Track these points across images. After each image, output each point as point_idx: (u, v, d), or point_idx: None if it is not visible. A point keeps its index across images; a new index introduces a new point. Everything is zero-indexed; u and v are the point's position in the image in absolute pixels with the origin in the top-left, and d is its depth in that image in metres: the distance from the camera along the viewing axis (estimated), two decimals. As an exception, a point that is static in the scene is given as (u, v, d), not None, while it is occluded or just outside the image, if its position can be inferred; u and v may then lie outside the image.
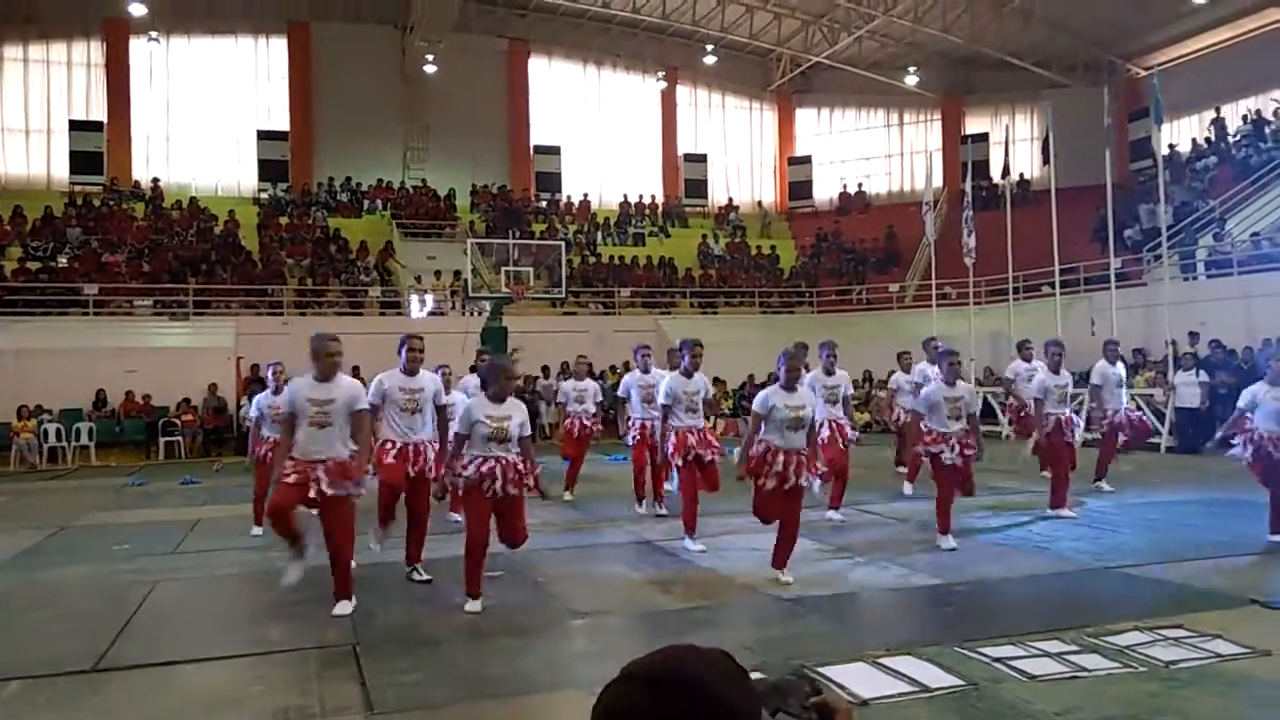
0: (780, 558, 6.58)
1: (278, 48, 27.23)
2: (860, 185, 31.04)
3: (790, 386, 6.50)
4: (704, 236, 28.41)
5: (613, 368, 19.89)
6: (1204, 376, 14.40)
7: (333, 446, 5.77)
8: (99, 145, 25.17)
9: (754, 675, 1.25)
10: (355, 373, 10.44)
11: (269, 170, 26.48)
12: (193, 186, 25.88)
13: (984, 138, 28.57)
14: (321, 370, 5.87)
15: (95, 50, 25.86)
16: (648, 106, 30.61)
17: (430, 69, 26.75)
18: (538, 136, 29.17)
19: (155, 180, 25.40)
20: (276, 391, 8.02)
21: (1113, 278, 17.12)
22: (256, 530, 8.60)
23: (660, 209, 29.79)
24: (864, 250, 27.96)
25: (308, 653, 5.16)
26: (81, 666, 4.95)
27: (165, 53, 26.23)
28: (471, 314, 20.98)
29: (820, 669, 4.53)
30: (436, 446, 6.82)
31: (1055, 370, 9.35)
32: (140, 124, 26.00)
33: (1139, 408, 12.56)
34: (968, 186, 21.40)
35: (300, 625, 5.68)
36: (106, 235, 22.69)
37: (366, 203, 26.73)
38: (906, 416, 10.93)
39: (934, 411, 7.65)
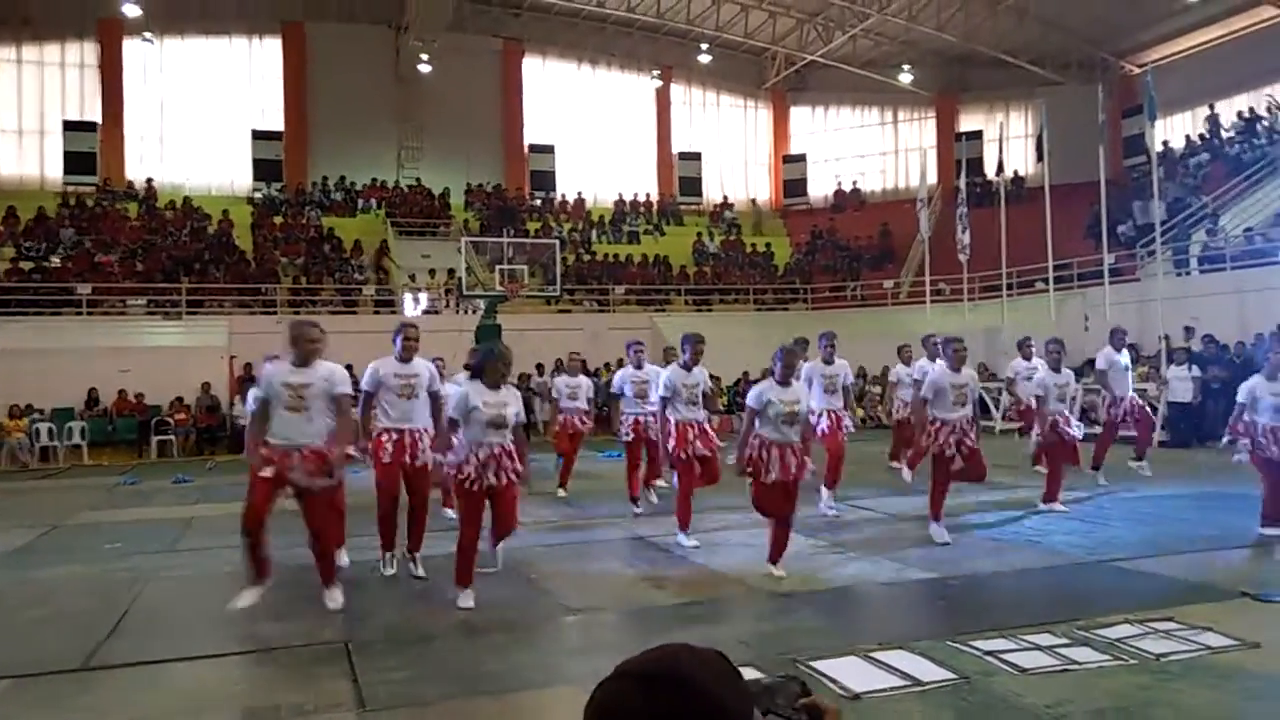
0: (775, 552, 6.58)
1: (272, 48, 27.16)
2: (855, 183, 31.05)
3: (785, 381, 6.51)
4: (699, 234, 28.41)
5: (607, 365, 19.86)
6: (1196, 371, 14.44)
7: (308, 433, 5.71)
8: (93, 146, 25.07)
9: (746, 674, 1.25)
10: (349, 371, 10.40)
11: (263, 170, 26.40)
12: (186, 186, 25.81)
13: (978, 135, 28.65)
14: (299, 356, 5.82)
15: (89, 51, 25.78)
16: (642, 105, 30.60)
17: (425, 68, 26.70)
18: (532, 135, 29.14)
19: (149, 180, 25.32)
20: None
21: (1106, 273, 17.18)
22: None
23: (655, 207, 29.78)
24: (859, 247, 27.97)
25: (299, 650, 5.15)
26: (72, 665, 4.94)
27: (159, 53, 26.14)
28: (466, 312, 20.97)
29: (813, 663, 4.54)
30: (431, 434, 6.80)
31: (1056, 368, 9.38)
32: (134, 124, 25.93)
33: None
34: (962, 184, 21.46)
35: (292, 623, 5.66)
36: (100, 235, 22.64)
37: (361, 202, 26.70)
38: (905, 410, 11.00)
39: (939, 397, 7.68)
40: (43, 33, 25.35)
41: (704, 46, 29.24)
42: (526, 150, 29.05)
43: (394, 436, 6.69)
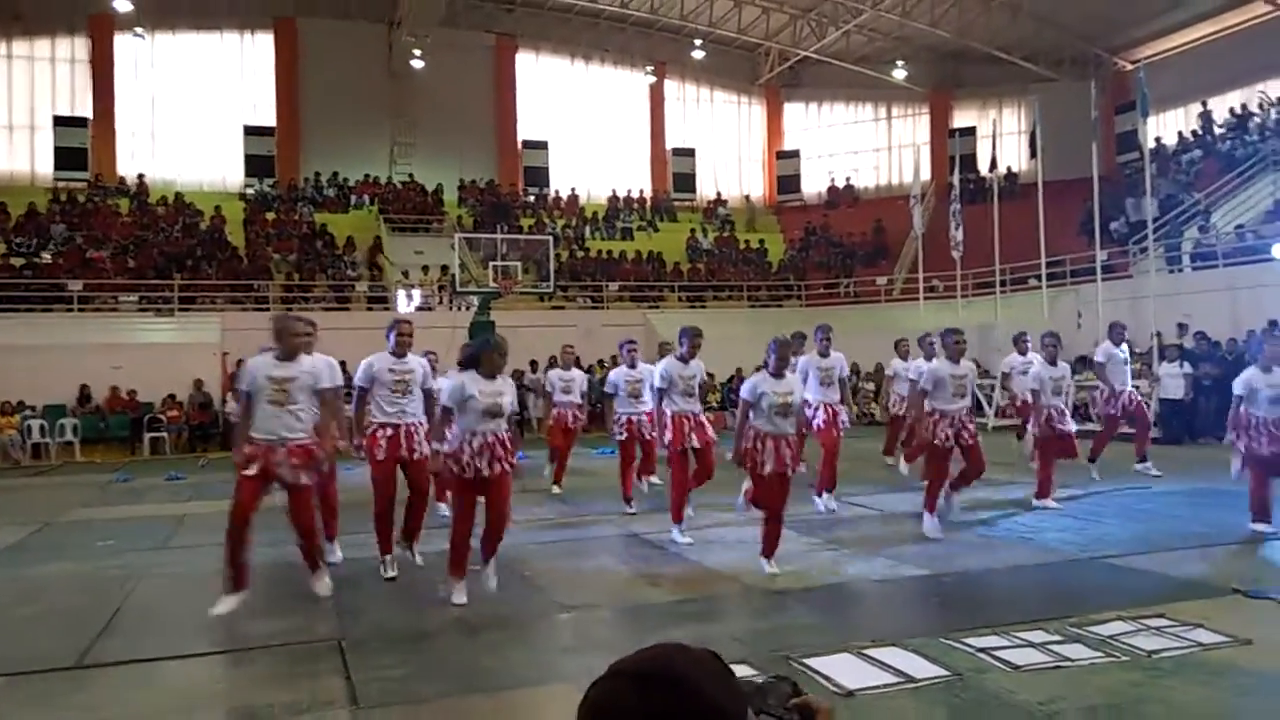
0: (768, 548, 6.58)
1: (264, 43, 27.08)
2: (848, 179, 31.07)
3: (779, 373, 6.51)
4: (692, 231, 28.40)
5: (601, 362, 19.86)
6: (1188, 368, 14.48)
7: (293, 428, 5.68)
8: (84, 141, 24.99)
9: (738, 672, 1.25)
10: (342, 367, 10.40)
11: (255, 165, 26.31)
12: (178, 182, 25.72)
13: (971, 131, 28.67)
14: (284, 350, 5.79)
15: (80, 46, 25.68)
16: (636, 101, 30.57)
17: (417, 64, 26.63)
18: (525, 131, 29.10)
19: (140, 176, 25.25)
20: None
21: (1099, 270, 17.22)
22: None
23: (648, 203, 29.76)
24: (852, 244, 27.99)
25: (293, 648, 5.14)
26: (66, 663, 4.92)
27: (150, 48, 26.05)
28: (459, 309, 20.94)
29: (806, 660, 4.55)
30: (426, 428, 6.81)
31: (1052, 361, 9.42)
32: (125, 120, 25.83)
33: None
34: (955, 180, 21.48)
35: (285, 621, 5.66)
36: (91, 231, 22.55)
37: (353, 198, 26.64)
38: (901, 405, 11.03)
39: (938, 389, 7.70)
40: (33, 27, 25.24)
41: (698, 42, 29.22)
42: (520, 146, 29.02)
43: (389, 432, 6.68)
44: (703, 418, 8.01)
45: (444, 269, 22.37)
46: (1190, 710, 3.95)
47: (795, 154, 31.47)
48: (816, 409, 8.92)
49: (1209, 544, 7.12)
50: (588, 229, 27.66)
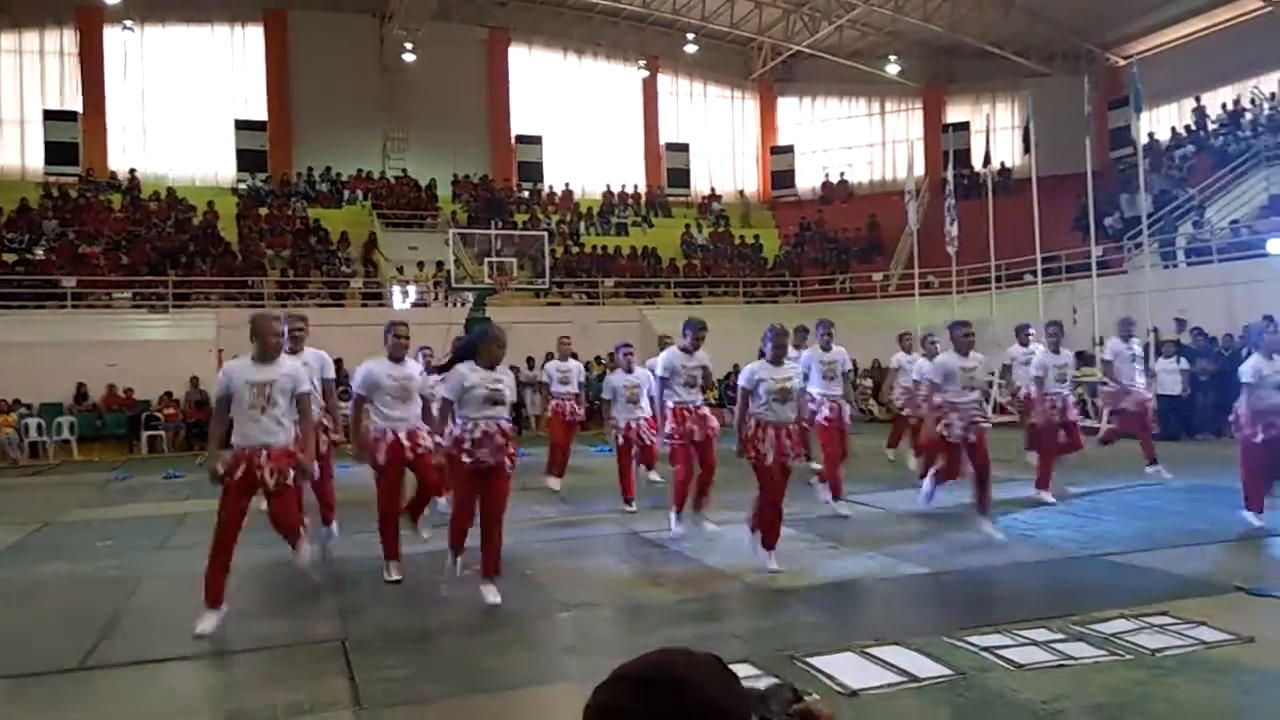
0: (769, 539, 6.54)
1: (254, 36, 26.93)
2: (843, 174, 31.06)
3: (776, 360, 6.50)
4: (687, 226, 28.38)
5: (598, 359, 19.85)
6: (1185, 364, 14.52)
7: (272, 431, 5.48)
8: (74, 136, 24.82)
9: (740, 672, 1.26)
10: (339, 365, 10.40)
11: (247, 160, 26.19)
12: (170, 177, 25.59)
13: (965, 126, 28.71)
14: (262, 350, 5.56)
15: (69, 39, 25.52)
16: (629, 95, 30.52)
17: (409, 58, 26.54)
18: (519, 126, 29.03)
19: (132, 171, 25.12)
20: None
21: (1094, 266, 17.24)
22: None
23: (643, 199, 29.73)
24: (847, 239, 28.01)
25: (296, 649, 5.14)
26: (69, 665, 4.91)
27: (140, 42, 25.91)
28: (454, 305, 20.91)
29: (809, 659, 4.55)
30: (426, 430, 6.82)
31: (1055, 350, 9.44)
32: (116, 114, 25.68)
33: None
34: (949, 175, 21.47)
35: (287, 621, 5.65)
36: (83, 227, 22.44)
37: (347, 193, 26.54)
38: (904, 398, 11.05)
39: (948, 381, 7.71)
40: (21, 20, 25.06)
41: (690, 36, 29.17)
42: (513, 141, 28.95)
43: (390, 437, 6.67)
44: (704, 410, 7.99)
45: (439, 265, 22.31)
46: (1194, 708, 3.96)
47: (789, 149, 31.45)
48: (821, 404, 8.90)
49: (1210, 541, 7.13)
50: (582, 224, 27.61)
